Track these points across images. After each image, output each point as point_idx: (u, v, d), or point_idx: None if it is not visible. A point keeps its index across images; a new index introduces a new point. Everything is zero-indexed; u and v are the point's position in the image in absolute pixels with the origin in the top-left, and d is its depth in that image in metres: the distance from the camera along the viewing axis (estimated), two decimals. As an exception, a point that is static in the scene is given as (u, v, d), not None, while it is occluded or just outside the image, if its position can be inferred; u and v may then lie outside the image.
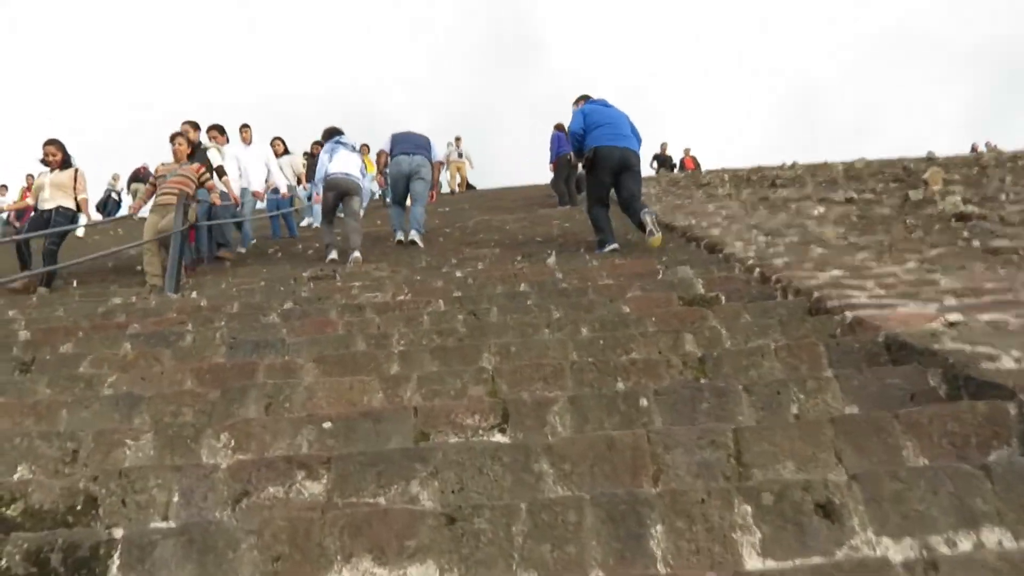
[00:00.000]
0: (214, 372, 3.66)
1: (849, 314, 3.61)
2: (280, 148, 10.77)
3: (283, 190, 9.88)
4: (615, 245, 6.74)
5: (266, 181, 9.48)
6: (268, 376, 3.58)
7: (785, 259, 5.19)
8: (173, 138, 7.09)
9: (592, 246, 7.27)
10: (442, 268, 6.55)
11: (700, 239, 6.56)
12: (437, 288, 5.45)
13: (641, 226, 6.67)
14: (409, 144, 9.00)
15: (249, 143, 9.79)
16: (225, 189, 7.52)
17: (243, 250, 9.01)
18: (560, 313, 4.43)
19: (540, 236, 8.42)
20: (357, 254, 7.57)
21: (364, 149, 13.79)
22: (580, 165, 7.58)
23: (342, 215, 8.17)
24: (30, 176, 14.18)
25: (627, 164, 6.90)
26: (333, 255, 7.88)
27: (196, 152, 7.57)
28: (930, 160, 17.21)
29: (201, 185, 7.14)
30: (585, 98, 7.51)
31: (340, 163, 8.11)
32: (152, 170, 8.08)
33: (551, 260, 6.42)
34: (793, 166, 18.26)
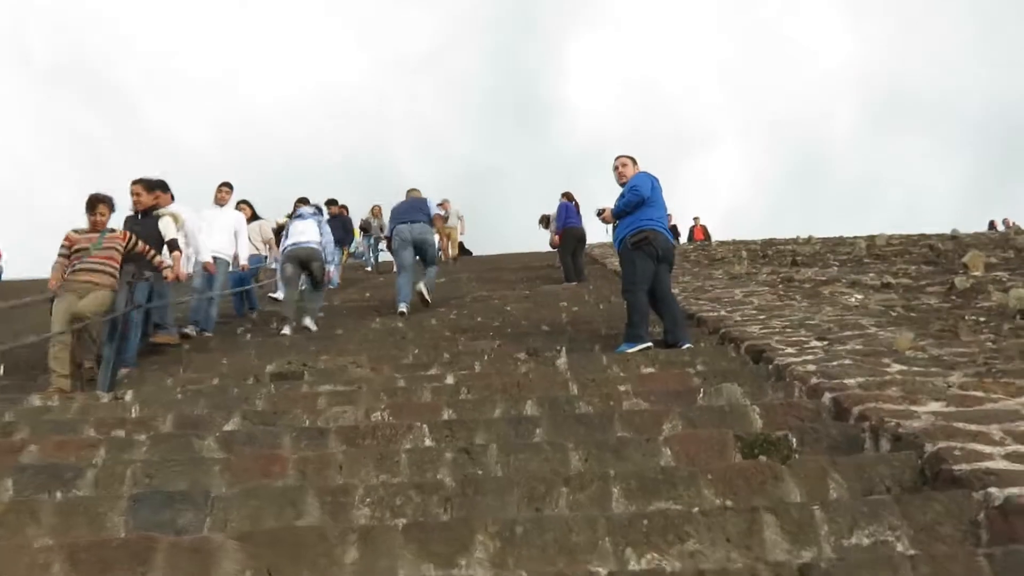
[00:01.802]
0: (95, 554, 2.57)
1: (997, 493, 2.54)
2: (248, 212, 9.69)
3: (243, 261, 8.59)
4: (649, 344, 5.69)
5: (234, 259, 8.33)
6: (168, 565, 2.50)
7: (858, 378, 4.13)
8: (94, 205, 5.85)
9: (607, 340, 6.23)
10: (431, 367, 5.48)
11: (739, 340, 5.52)
12: (422, 405, 4.38)
13: (675, 324, 5.68)
14: (407, 213, 9.18)
15: (223, 205, 8.70)
16: (171, 264, 6.30)
17: (208, 333, 7.91)
18: (581, 458, 3.35)
19: (546, 323, 7.38)
20: (307, 321, 7.94)
21: (337, 210, 13.13)
22: (610, 225, 6.48)
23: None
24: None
25: (670, 257, 6.04)
26: (286, 330, 7.80)
27: (147, 218, 6.54)
28: (954, 238, 16.35)
29: (129, 256, 5.89)
30: (635, 162, 6.39)
31: (295, 234, 8.39)
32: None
33: (562, 362, 5.36)
34: (809, 240, 17.38)
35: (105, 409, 4.71)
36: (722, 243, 18.42)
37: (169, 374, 5.87)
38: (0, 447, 3.90)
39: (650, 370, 5.06)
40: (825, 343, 5.18)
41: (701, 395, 4.24)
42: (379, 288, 12.56)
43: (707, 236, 21.50)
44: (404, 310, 8.56)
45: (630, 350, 5.58)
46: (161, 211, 6.55)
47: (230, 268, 8.44)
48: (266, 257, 10.10)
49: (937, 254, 13.34)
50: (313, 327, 7.95)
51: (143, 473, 3.38)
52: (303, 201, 12.28)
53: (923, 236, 17.75)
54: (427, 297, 8.95)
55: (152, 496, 3.06)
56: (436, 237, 9.47)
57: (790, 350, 5.00)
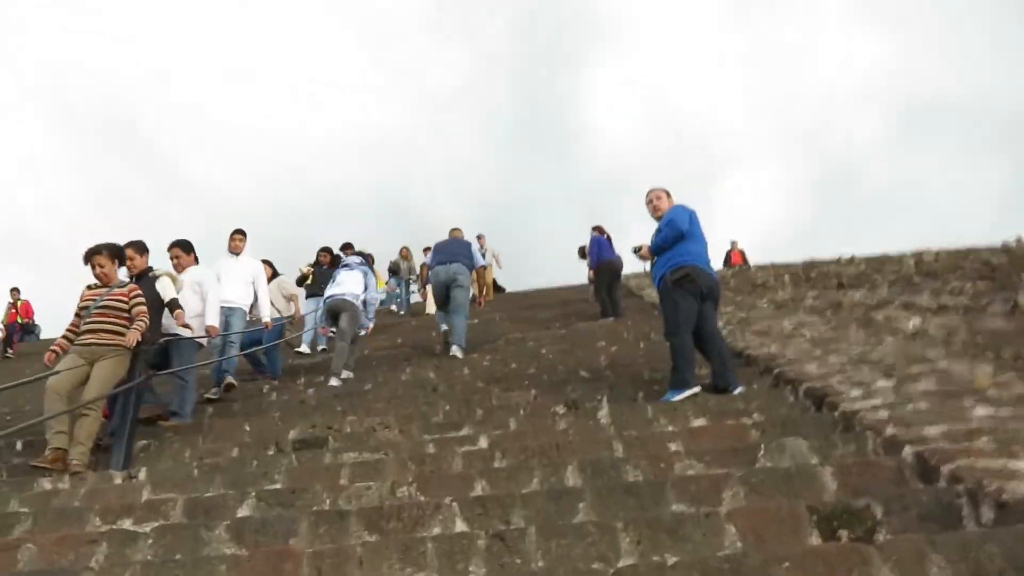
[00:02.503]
0: None
1: None
2: (268, 272, 9.40)
3: (265, 319, 8.02)
4: (697, 389, 5.25)
5: (250, 309, 7.93)
6: None
7: (940, 426, 3.66)
8: (89, 258, 5.32)
9: (650, 386, 5.80)
10: (463, 426, 5.09)
11: (796, 381, 5.05)
12: (453, 476, 3.99)
13: (723, 366, 5.25)
14: (446, 253, 9.18)
15: (238, 253, 8.11)
16: (176, 324, 5.93)
17: (229, 378, 7.53)
18: (632, 541, 2.93)
19: (584, 367, 6.97)
20: (334, 381, 7.65)
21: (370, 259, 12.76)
22: (648, 262, 6.03)
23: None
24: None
25: (714, 294, 5.64)
26: (333, 381, 7.66)
27: (142, 281, 5.98)
28: (1007, 251, 15.62)
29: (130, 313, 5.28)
30: (670, 196, 5.98)
31: (334, 284, 8.48)
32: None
33: (603, 415, 4.94)
34: (853, 260, 16.74)
35: (115, 492, 4.38)
36: (761, 267, 17.84)
37: (189, 444, 5.54)
38: (-7, 547, 3.57)
39: (701, 422, 4.62)
40: (893, 382, 4.70)
41: (762, 452, 3.80)
42: (410, 333, 12.24)
43: (745, 260, 20.92)
44: (335, 383, 7.76)
45: (676, 398, 5.14)
46: (157, 271, 6.18)
47: (247, 318, 7.97)
48: (290, 317, 9.63)
49: (991, 269, 12.69)
50: (335, 382, 7.63)
51: (143, 577, 3.02)
52: (348, 247, 12.08)
53: (971, 250, 17.03)
54: (459, 355, 8.57)
55: (146, 611, 2.70)
56: (468, 283, 9.23)
57: (855, 392, 4.53)
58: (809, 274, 14.75)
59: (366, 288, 8.38)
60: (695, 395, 5.16)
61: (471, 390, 6.44)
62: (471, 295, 10.13)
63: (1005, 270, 12.29)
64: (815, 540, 2.88)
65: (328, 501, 3.84)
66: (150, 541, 3.44)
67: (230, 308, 7.61)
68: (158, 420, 6.18)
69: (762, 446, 3.82)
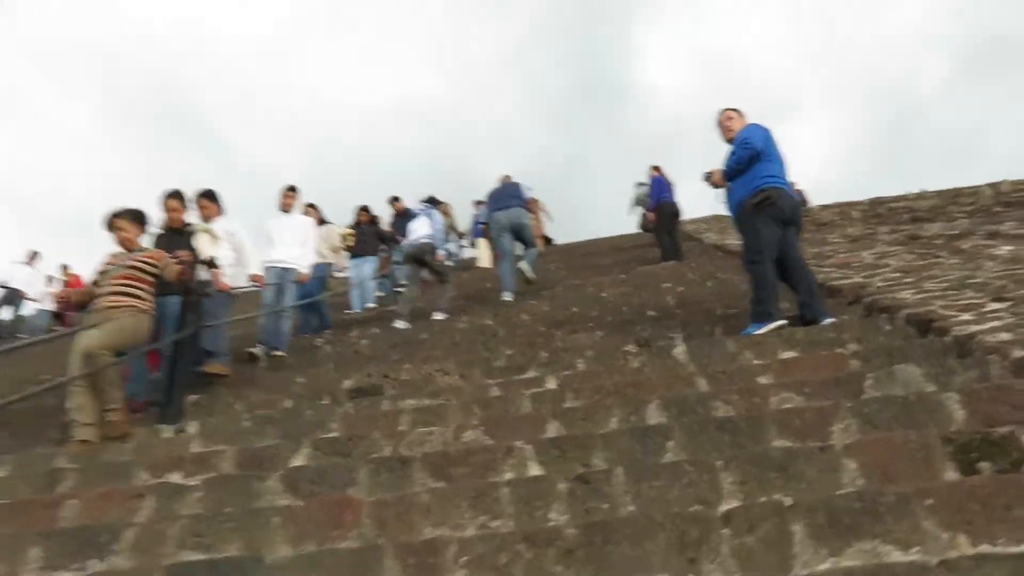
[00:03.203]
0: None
1: None
2: (316, 217, 8.92)
3: (303, 271, 7.50)
4: (783, 321, 4.80)
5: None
6: None
7: (1078, 347, 3.19)
8: (110, 223, 4.98)
9: (727, 322, 5.36)
10: (528, 370, 4.74)
11: (892, 309, 4.58)
12: (523, 417, 3.64)
13: (811, 296, 4.80)
14: (502, 199, 9.30)
15: (289, 211, 7.79)
16: (213, 281, 5.46)
17: (279, 352, 7.02)
18: (736, 481, 2.55)
19: (652, 308, 6.55)
20: (399, 323, 7.83)
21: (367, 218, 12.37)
22: (721, 190, 5.52)
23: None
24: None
25: (797, 219, 5.18)
26: (399, 324, 7.84)
27: (179, 235, 5.76)
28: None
29: (156, 277, 4.88)
30: (742, 115, 5.47)
31: (409, 232, 8.67)
32: None
33: (680, 351, 4.54)
34: (922, 194, 15.90)
35: (163, 446, 4.15)
36: (826, 207, 17.06)
37: (240, 397, 5.30)
38: (34, 504, 3.34)
39: (791, 354, 4.19)
40: (1007, 304, 4.20)
41: (869, 381, 3.36)
42: (463, 285, 11.91)
43: (805, 201, 20.06)
44: (509, 298, 8.53)
45: (760, 331, 4.71)
46: (196, 226, 5.89)
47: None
48: (331, 264, 9.28)
49: (1077, 195, 11.91)
50: (442, 315, 7.98)
51: (191, 532, 2.74)
52: (396, 200, 12.57)
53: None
54: (530, 276, 9.09)
55: (193, 568, 2.42)
56: (530, 220, 9.53)
57: (966, 316, 4.05)
58: (877, 210, 14.02)
59: (432, 227, 8.56)
60: (780, 328, 4.72)
61: (533, 334, 6.08)
62: None
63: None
64: (953, 474, 2.46)
65: (388, 448, 3.53)
66: (199, 494, 3.18)
67: (283, 269, 7.25)
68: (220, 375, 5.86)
69: (868, 376, 3.38)
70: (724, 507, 2.42)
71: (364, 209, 11.40)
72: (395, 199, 12.59)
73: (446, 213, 15.37)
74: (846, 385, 3.38)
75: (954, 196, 14.18)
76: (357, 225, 11.33)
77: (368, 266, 11.03)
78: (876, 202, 15.87)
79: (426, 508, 2.69)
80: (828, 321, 4.68)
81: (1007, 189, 13.90)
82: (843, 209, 15.01)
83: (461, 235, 16.13)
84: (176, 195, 5.81)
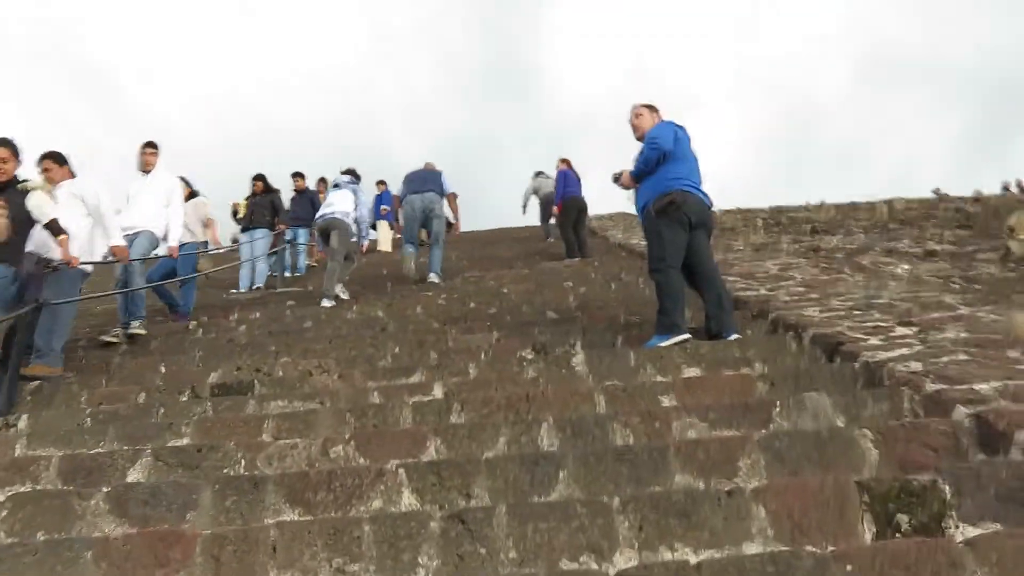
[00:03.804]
0: None
1: None
2: (186, 191, 7.85)
3: (172, 243, 6.75)
4: (687, 336, 4.55)
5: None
6: None
7: (992, 383, 3.02)
8: None
9: (628, 330, 5.10)
10: (414, 373, 4.34)
11: (798, 327, 4.39)
12: (401, 433, 3.24)
13: (720, 309, 4.56)
14: (418, 182, 9.10)
15: (149, 170, 6.84)
16: (60, 250, 4.81)
17: (136, 324, 6.27)
18: (632, 528, 2.24)
19: (552, 307, 6.24)
20: (325, 302, 7.43)
21: (303, 184, 11.70)
22: (631, 192, 5.22)
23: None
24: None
25: (707, 223, 4.88)
26: (324, 302, 7.43)
27: (6, 193, 4.84)
28: (978, 200, 15.25)
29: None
30: (657, 109, 5.19)
31: (325, 205, 8.30)
32: None
33: (579, 361, 4.23)
34: (823, 206, 16.24)
35: (-17, 445, 3.57)
36: (728, 211, 17.22)
37: (88, 386, 4.70)
38: None
39: (695, 371, 3.94)
40: (915, 329, 4.06)
41: (777, 410, 3.12)
42: (358, 270, 11.38)
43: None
44: (326, 304, 7.49)
45: (664, 343, 4.45)
46: (29, 183, 5.00)
47: (158, 248, 6.83)
48: (205, 243, 8.42)
49: (966, 217, 12.30)
50: (327, 303, 7.45)
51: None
52: (298, 176, 11.63)
53: (943, 198, 16.64)
54: (436, 281, 8.65)
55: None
56: (443, 212, 9.20)
57: (874, 340, 3.88)
58: (779, 219, 14.20)
59: (357, 206, 8.20)
60: (684, 342, 4.47)
61: (425, 331, 5.68)
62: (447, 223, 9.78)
63: (981, 218, 11.86)
64: (867, 528, 2.22)
65: (243, 462, 3.08)
66: (3, 514, 2.66)
67: (134, 232, 6.44)
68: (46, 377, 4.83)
69: (777, 403, 3.14)
70: (620, 561, 2.11)
71: (259, 178, 10.63)
72: (298, 175, 11.81)
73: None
74: (753, 413, 3.12)
75: (851, 210, 14.50)
76: (253, 196, 10.61)
77: (260, 241, 10.23)
78: (777, 211, 16.13)
79: (272, 547, 2.27)
80: (733, 336, 4.47)
81: (900, 207, 14.31)
82: (745, 216, 15.15)
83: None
84: (4, 143, 5.00)
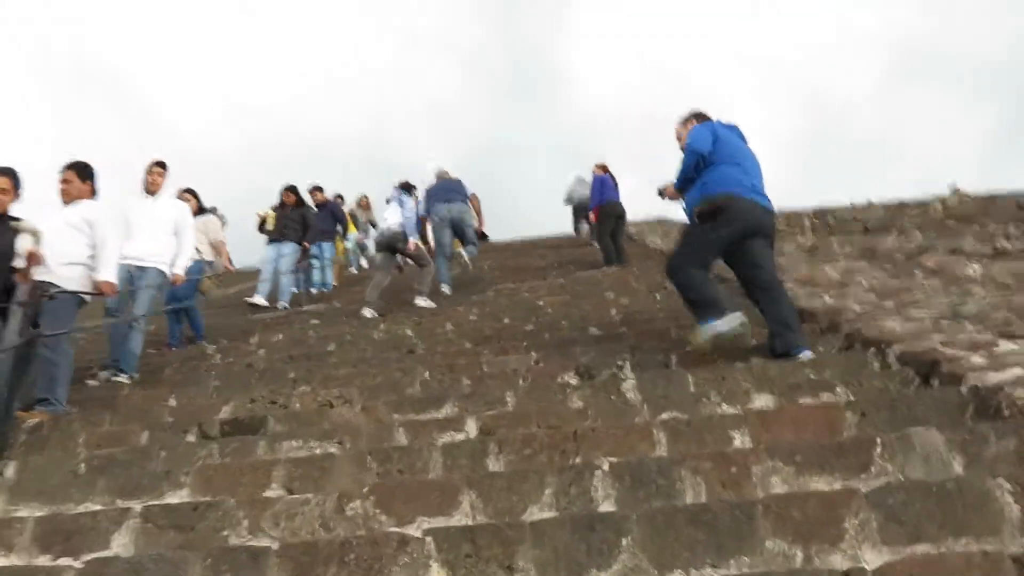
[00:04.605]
0: None
1: None
2: (194, 205, 7.24)
3: (177, 270, 6.02)
4: (739, 315, 4.11)
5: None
6: None
7: None
8: None
9: (681, 346, 4.57)
10: (445, 403, 3.86)
11: (880, 343, 3.84)
12: (429, 484, 2.76)
13: (785, 326, 4.01)
14: (442, 193, 9.12)
15: (155, 192, 6.13)
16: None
17: (123, 377, 5.51)
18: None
19: (594, 322, 5.74)
20: (365, 310, 7.63)
21: (322, 198, 11.26)
22: (676, 201, 4.83)
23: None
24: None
25: (765, 230, 4.35)
26: (366, 312, 7.62)
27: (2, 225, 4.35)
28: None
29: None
30: (701, 116, 4.81)
31: (382, 220, 8.73)
32: None
33: (630, 387, 3.73)
34: (870, 205, 15.54)
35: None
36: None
37: (90, 423, 4.29)
38: None
39: (767, 400, 3.40)
40: (1017, 344, 3.50)
41: (878, 450, 2.60)
42: (384, 286, 10.96)
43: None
44: (447, 291, 8.48)
45: (718, 331, 4.04)
46: (22, 224, 4.38)
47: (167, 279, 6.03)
48: (211, 263, 7.68)
49: (1025, 211, 11.60)
50: (427, 303, 7.79)
51: None
52: (317, 190, 11.23)
53: (994, 195, 15.87)
54: (468, 264, 9.24)
55: None
56: (471, 217, 9.24)
57: (977, 358, 3.33)
58: (825, 220, 13.53)
59: (403, 214, 8.28)
60: (742, 327, 4.01)
61: (456, 352, 5.21)
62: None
63: (1048, 214, 11.15)
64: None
65: (245, 523, 2.63)
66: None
67: (139, 267, 5.75)
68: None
69: (878, 441, 2.61)
70: None
71: (290, 190, 9.93)
72: (316, 188, 11.29)
73: (364, 207, 14.19)
74: (848, 454, 2.60)
75: (900, 209, 13.80)
76: (281, 206, 9.92)
77: (287, 256, 9.52)
78: (821, 211, 15.43)
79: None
80: (805, 354, 3.94)
81: (953, 203, 13.60)
82: (789, 217, 14.48)
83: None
84: (5, 172, 4.56)
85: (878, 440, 2.62)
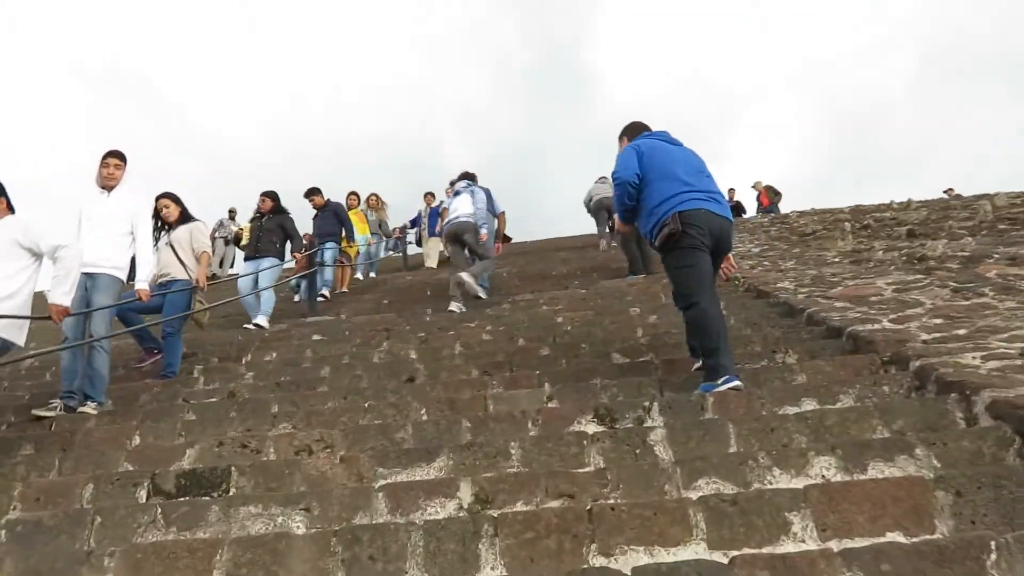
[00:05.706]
0: None
1: None
2: (176, 212, 6.36)
3: (140, 285, 5.27)
4: (738, 382, 3.68)
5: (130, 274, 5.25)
6: None
7: None
8: None
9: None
10: (437, 457, 3.24)
11: (966, 388, 3.17)
12: (404, 553, 2.16)
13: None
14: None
15: (110, 188, 5.26)
16: None
17: (91, 407, 4.83)
18: None
19: (617, 345, 5.10)
20: (453, 305, 7.73)
21: (321, 201, 10.55)
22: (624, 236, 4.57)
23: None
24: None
25: (726, 242, 4.02)
26: (453, 307, 7.73)
27: None
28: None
29: None
30: (635, 130, 4.52)
31: (451, 211, 8.32)
32: None
33: (657, 439, 3.11)
34: (909, 205, 14.72)
35: None
36: (803, 214, 15.73)
37: (36, 467, 3.75)
38: None
39: (826, 467, 2.73)
40: None
41: (992, 558, 1.95)
42: (399, 292, 10.40)
43: (775, 195, 18.68)
44: (455, 309, 7.73)
45: (717, 389, 3.64)
46: None
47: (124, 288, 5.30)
48: (196, 283, 6.07)
49: (1086, 213, 10.82)
50: (483, 294, 7.96)
51: None
52: (315, 192, 10.55)
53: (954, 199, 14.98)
54: (475, 292, 7.86)
55: None
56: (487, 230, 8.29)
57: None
58: (864, 221, 12.75)
59: (474, 204, 8.13)
60: (736, 388, 3.50)
61: (460, 382, 4.59)
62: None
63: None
64: None
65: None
66: None
67: (89, 275, 5.00)
68: None
69: (992, 546, 1.96)
70: None
71: (269, 195, 8.76)
72: (314, 191, 10.47)
73: (374, 207, 13.62)
74: (951, 564, 1.96)
75: (947, 209, 12.98)
76: (259, 217, 8.74)
77: (267, 272, 8.27)
78: (858, 211, 14.61)
79: None
80: (733, 384, 3.62)
81: (1003, 203, 12.77)
82: (824, 217, 13.70)
83: (390, 234, 14.32)
84: None
85: (992, 544, 1.98)
